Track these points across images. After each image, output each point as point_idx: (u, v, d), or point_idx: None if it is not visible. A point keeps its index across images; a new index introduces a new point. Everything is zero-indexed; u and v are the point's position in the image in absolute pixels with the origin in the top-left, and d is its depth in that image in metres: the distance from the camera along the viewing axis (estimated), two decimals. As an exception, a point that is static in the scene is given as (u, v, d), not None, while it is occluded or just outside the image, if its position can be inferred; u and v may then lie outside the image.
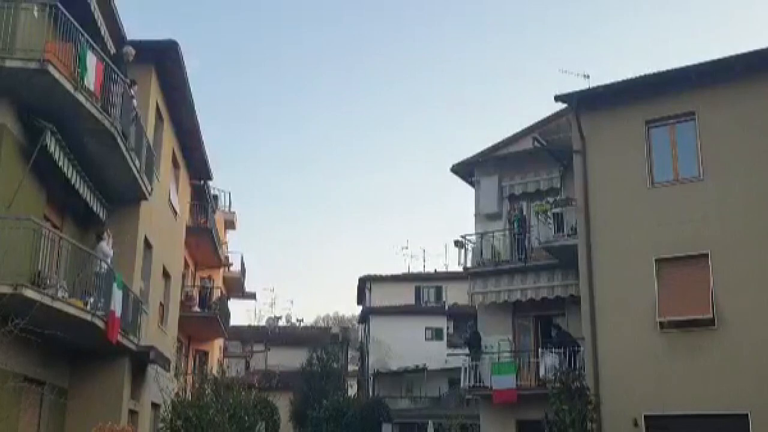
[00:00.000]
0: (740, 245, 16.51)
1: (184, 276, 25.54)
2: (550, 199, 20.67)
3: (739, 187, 16.85)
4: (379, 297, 44.04)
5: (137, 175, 15.48)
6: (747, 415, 15.53)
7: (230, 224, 35.75)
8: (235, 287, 35.67)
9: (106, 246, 14.77)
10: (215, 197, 30.67)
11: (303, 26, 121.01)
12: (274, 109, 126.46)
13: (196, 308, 26.27)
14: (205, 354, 30.48)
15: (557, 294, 20.42)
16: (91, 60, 12.95)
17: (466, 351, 23.64)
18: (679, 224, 17.24)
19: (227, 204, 34.46)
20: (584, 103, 18.93)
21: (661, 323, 16.96)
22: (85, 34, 12.82)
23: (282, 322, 57.00)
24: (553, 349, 19.82)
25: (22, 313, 10.72)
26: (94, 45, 13.20)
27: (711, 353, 16.33)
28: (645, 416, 16.68)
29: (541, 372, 19.86)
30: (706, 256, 16.79)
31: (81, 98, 12.52)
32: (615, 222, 18.13)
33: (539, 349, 20.63)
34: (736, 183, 16.89)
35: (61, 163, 13.06)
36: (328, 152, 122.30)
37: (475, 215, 23.29)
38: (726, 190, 16.97)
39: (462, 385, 22.39)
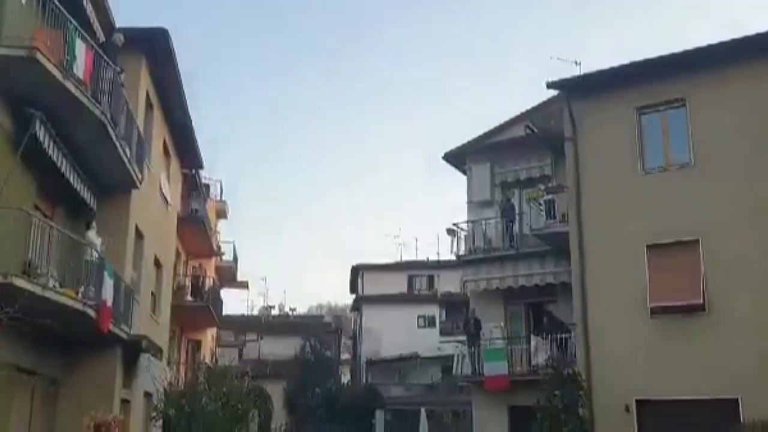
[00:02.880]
0: (731, 231, 16.56)
1: (176, 265, 25.48)
2: (542, 186, 20.71)
3: (730, 173, 16.88)
4: (371, 286, 44.05)
5: (128, 164, 15.37)
6: (737, 399, 15.61)
7: (222, 213, 35.70)
8: (228, 276, 35.66)
9: (94, 235, 14.68)
10: (207, 186, 30.59)
11: (298, 11, 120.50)
12: (267, 99, 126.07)
13: (189, 297, 26.25)
14: (198, 343, 30.47)
15: (548, 281, 20.49)
16: (80, 48, 12.80)
17: (459, 338, 23.68)
18: (669, 210, 17.29)
19: (219, 193, 34.41)
20: (575, 90, 18.94)
21: (652, 309, 17.01)
22: (74, 22, 12.69)
23: (275, 311, 56.99)
24: (545, 336, 19.92)
25: (12, 302, 10.65)
26: (83, 32, 13.06)
27: (702, 339, 16.40)
28: (636, 401, 16.77)
29: (533, 358, 19.94)
30: (696, 242, 16.84)
31: (70, 86, 12.37)
32: (606, 208, 18.16)
33: (531, 336, 20.70)
34: (727, 169, 16.93)
35: (50, 152, 12.94)
36: (319, 142, 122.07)
37: (468, 203, 23.32)
38: (716, 176, 17.00)
39: (455, 372, 22.44)
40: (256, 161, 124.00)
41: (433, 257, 46.13)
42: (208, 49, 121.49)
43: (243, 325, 46.72)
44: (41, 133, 12.45)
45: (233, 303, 64.70)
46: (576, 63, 20.49)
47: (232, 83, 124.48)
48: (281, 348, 44.25)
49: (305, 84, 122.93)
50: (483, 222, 22.14)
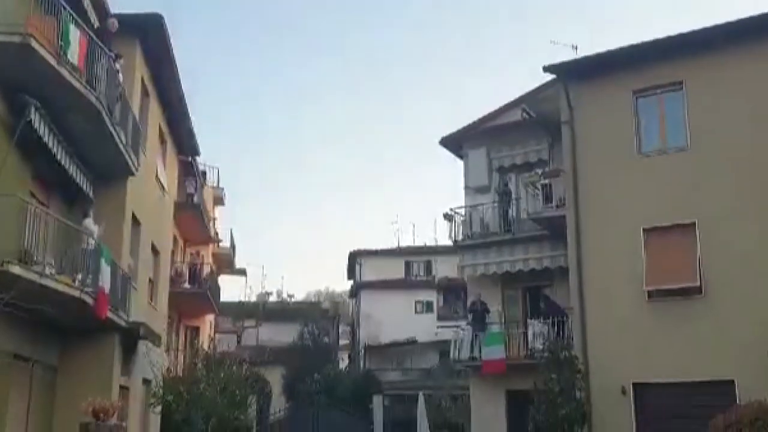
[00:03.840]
0: (727, 214, 16.60)
1: (173, 252, 25.48)
2: (539, 171, 20.70)
3: (726, 156, 16.90)
4: (369, 271, 44.09)
5: (123, 151, 15.35)
6: (733, 381, 15.70)
7: (219, 200, 35.63)
8: (225, 263, 35.66)
9: (92, 223, 14.68)
10: (203, 173, 30.54)
11: (301, 5, 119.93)
12: (262, 83, 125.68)
13: (187, 284, 26.26)
14: (196, 330, 30.52)
15: (545, 265, 20.51)
16: (74, 34, 12.75)
17: (457, 323, 23.71)
18: (666, 194, 17.32)
19: (216, 180, 34.33)
20: (572, 74, 18.91)
21: (648, 292, 17.06)
22: (68, 8, 12.63)
23: (273, 298, 57.07)
24: (542, 320, 19.98)
25: (8, 290, 10.65)
26: (77, 18, 13.00)
27: (698, 321, 16.47)
28: (633, 384, 16.85)
29: (530, 342, 20.01)
30: (693, 225, 16.88)
31: (65, 72, 12.36)
32: (603, 192, 18.17)
33: (528, 320, 20.77)
34: (723, 152, 16.94)
35: (46, 139, 12.92)
36: (318, 130, 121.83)
37: (465, 188, 23.35)
38: (713, 159, 17.02)
39: (452, 356, 22.51)
40: (252, 148, 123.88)
41: (430, 242, 46.30)
42: (206, 41, 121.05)
43: (241, 311, 46.79)
44: (36, 120, 12.44)
45: (231, 289, 64.88)
46: (573, 47, 20.50)
47: (228, 70, 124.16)
48: (280, 334, 44.35)
49: (304, 74, 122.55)
50: (480, 207, 22.16)
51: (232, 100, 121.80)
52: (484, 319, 21.32)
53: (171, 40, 18.34)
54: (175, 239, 26.03)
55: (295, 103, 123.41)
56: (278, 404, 38.03)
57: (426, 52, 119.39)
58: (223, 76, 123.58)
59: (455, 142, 23.84)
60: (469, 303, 22.21)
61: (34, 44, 11.53)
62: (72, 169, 14.34)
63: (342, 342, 51.80)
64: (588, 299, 17.80)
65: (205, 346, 24.00)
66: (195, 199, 26.89)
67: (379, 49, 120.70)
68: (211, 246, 32.25)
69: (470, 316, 21.98)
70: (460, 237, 22.31)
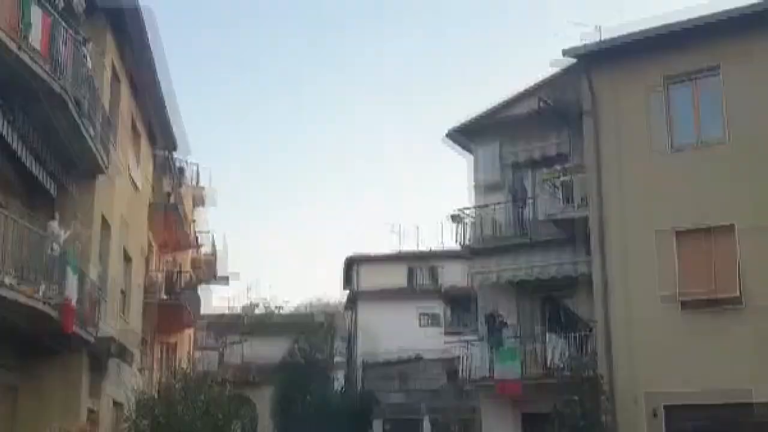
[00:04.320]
0: (769, 215, 16.57)
1: (147, 259, 25.43)
2: (558, 167, 20.64)
3: (768, 150, 16.87)
4: (367, 279, 44.03)
5: (92, 146, 15.29)
6: (779, 403, 15.68)
7: (199, 200, 35.54)
8: (207, 271, 35.58)
9: (57, 226, 14.62)
10: (181, 170, 30.47)
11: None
12: (261, 82, 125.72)
13: (162, 295, 26.18)
14: (174, 346, 30.48)
15: (566, 272, 20.39)
16: (36, 14, 12.71)
17: (466, 338, 23.58)
18: (701, 193, 17.29)
19: (195, 178, 34.22)
20: (595, 58, 18.89)
21: (682, 302, 17.03)
22: (29, -15, 12.59)
23: (260, 310, 57.00)
24: (562, 334, 19.90)
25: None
26: (40, -3, 12.97)
27: (738, 335, 16.43)
28: (665, 406, 16.81)
29: (549, 360, 19.93)
30: (731, 227, 16.84)
31: (25, 58, 12.29)
32: (630, 190, 18.14)
33: (546, 334, 20.68)
34: (765, 145, 16.89)
35: (4, 133, 12.87)
36: (312, 125, 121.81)
37: (474, 187, 23.23)
38: (753, 153, 16.99)
39: (461, 375, 22.43)
40: (244, 148, 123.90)
41: (436, 247, 46.19)
42: (201, 39, 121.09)
43: (224, 325, 46.76)
44: (-7, 111, 12.38)
45: (214, 300, 64.47)
46: (596, 28, 20.38)
47: (226, 68, 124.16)
48: (267, 350, 44.29)
49: (299, 67, 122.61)
50: (491, 207, 22.05)
51: (227, 99, 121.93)
52: (502, 333, 21.19)
53: (146, 22, 18.28)
54: (149, 244, 25.98)
55: (291, 98, 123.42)
56: (266, 429, 37.99)
57: (434, 34, 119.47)
58: (222, 75, 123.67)
59: (463, 135, 23.72)
60: (485, 314, 22.05)
61: (-9, 26, 11.48)
62: (34, 166, 14.28)
63: (337, 359, 51.77)
64: (614, 311, 17.78)
65: (184, 365, 23.93)
66: (172, 198, 26.83)
67: (383, 42, 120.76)
68: (190, 252, 32.19)
69: (485, 330, 21.80)
70: (470, 241, 22.24)
